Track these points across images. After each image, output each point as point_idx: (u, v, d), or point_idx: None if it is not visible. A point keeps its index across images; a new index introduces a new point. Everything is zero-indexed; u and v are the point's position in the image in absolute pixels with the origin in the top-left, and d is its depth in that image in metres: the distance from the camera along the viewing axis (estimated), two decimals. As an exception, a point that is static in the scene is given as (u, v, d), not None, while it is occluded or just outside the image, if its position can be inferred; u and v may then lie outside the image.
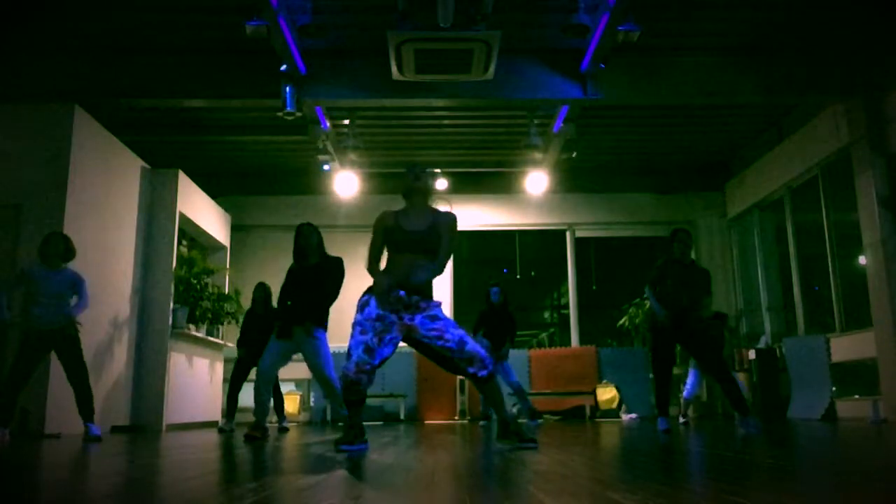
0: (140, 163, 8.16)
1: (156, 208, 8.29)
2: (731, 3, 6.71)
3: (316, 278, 5.26)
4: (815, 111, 8.57)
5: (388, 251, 3.81)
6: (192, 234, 9.55)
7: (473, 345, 3.68)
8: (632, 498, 1.82)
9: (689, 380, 7.39)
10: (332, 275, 5.27)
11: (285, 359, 5.39)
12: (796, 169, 9.10)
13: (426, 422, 9.70)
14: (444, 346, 3.66)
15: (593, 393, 9.89)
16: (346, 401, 3.75)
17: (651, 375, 10.24)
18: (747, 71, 7.53)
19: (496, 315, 7.79)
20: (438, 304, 3.75)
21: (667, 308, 5.58)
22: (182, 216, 8.57)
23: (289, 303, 5.33)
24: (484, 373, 3.66)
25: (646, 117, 9.37)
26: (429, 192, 3.93)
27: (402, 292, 3.65)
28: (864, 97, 7.53)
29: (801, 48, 7.46)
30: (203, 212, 9.35)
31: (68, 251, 5.58)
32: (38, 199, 6.56)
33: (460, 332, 3.70)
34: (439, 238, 3.75)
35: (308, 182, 10.72)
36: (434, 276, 3.76)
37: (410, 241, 3.74)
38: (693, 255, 5.75)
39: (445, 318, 3.71)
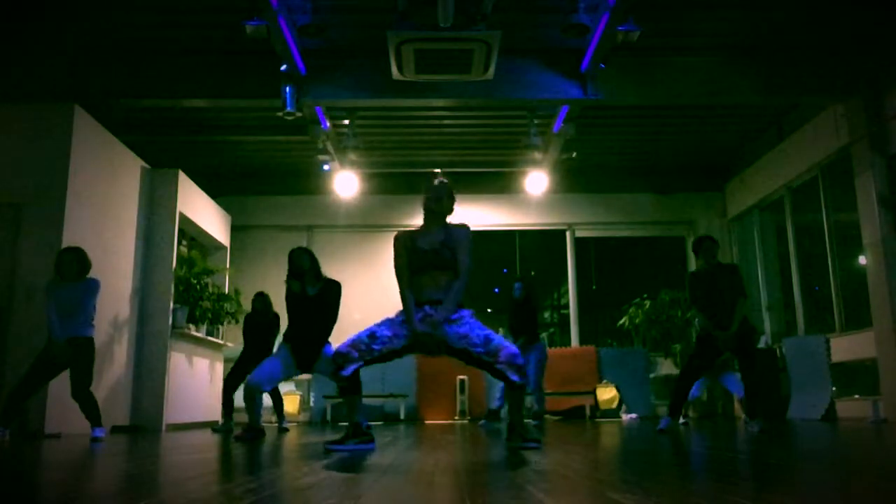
0: (140, 163, 8.16)
1: (156, 208, 8.29)
2: (731, 3, 6.71)
3: (318, 310, 5.30)
4: (815, 111, 8.57)
5: (410, 272, 3.80)
6: (192, 234, 9.55)
7: (500, 340, 3.65)
8: (632, 498, 1.82)
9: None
10: (332, 303, 5.34)
11: (287, 376, 5.47)
12: (796, 169, 9.10)
13: (426, 422, 9.69)
14: (471, 346, 3.64)
15: (593, 393, 9.89)
16: (339, 388, 3.79)
17: (651, 375, 10.32)
18: (747, 71, 7.53)
19: (519, 309, 7.86)
20: (467, 313, 3.76)
21: (704, 316, 5.71)
22: (182, 216, 8.57)
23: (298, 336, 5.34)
24: (516, 378, 3.63)
25: (646, 117, 9.37)
26: (449, 214, 3.91)
27: (427, 308, 3.69)
28: (864, 97, 7.53)
29: (801, 48, 7.47)
30: (203, 212, 9.35)
31: (82, 265, 5.52)
32: (38, 199, 6.55)
33: (486, 331, 3.69)
34: (453, 252, 3.75)
35: (308, 182, 10.72)
36: (458, 296, 3.72)
37: (425, 259, 3.76)
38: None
39: (472, 322, 3.72)
